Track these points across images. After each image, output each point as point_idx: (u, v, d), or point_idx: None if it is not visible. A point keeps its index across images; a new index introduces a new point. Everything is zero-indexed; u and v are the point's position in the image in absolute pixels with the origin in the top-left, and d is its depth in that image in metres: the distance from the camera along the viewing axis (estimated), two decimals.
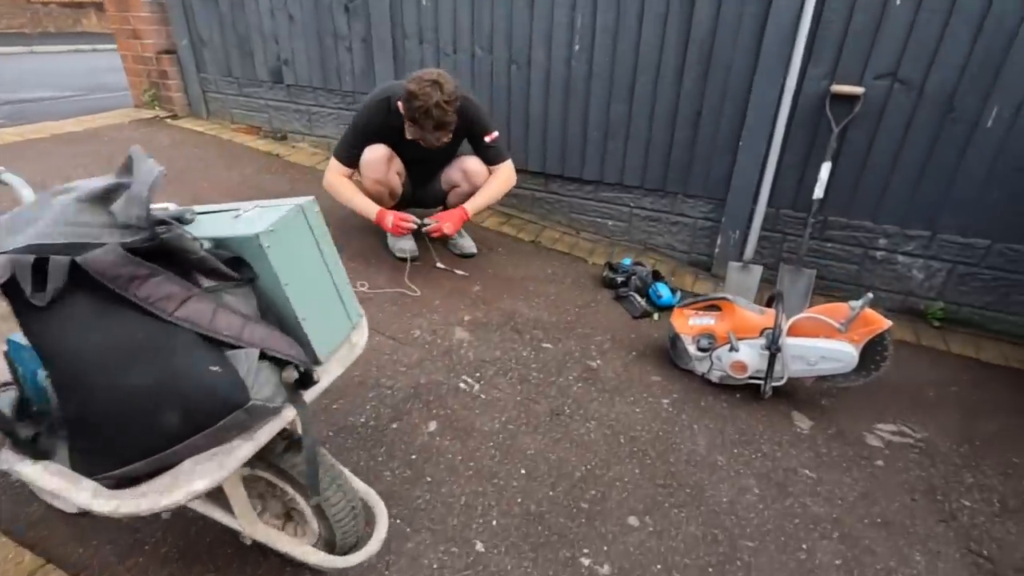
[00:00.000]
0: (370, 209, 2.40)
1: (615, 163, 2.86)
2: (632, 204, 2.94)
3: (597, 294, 2.56)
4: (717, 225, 2.76)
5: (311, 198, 1.12)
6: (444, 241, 2.74)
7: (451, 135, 2.22)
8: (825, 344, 1.84)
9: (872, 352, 1.86)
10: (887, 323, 1.80)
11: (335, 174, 2.43)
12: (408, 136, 2.23)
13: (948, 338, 2.43)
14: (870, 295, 1.77)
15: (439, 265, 2.60)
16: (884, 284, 2.56)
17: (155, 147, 3.49)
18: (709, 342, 1.99)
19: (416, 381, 1.92)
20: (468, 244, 2.72)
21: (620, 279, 2.58)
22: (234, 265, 0.99)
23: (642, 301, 2.47)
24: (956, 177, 2.27)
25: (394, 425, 1.73)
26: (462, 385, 1.93)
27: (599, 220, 3.07)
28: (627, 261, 2.70)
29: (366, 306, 2.22)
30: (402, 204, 2.67)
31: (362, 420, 1.74)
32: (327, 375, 1.12)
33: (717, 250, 2.78)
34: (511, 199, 3.25)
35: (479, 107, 2.36)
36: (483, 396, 1.89)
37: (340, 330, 1.20)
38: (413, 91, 2.05)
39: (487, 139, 2.40)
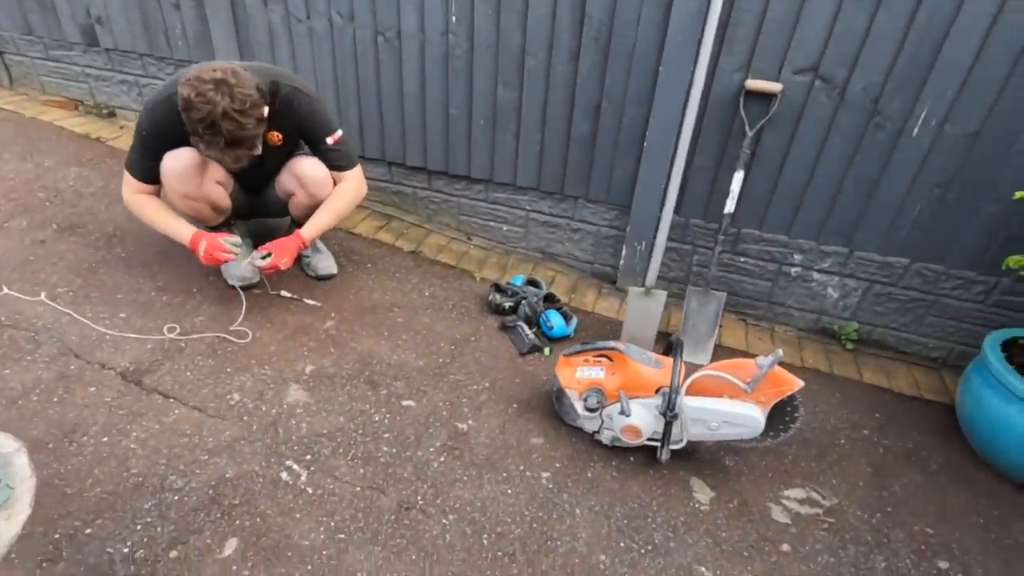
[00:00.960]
0: (183, 233, 1.84)
1: (506, 159, 2.42)
2: (528, 208, 2.53)
3: (481, 323, 2.16)
4: (622, 234, 2.40)
5: None
6: (297, 259, 2.22)
7: (256, 151, 1.67)
8: (728, 407, 1.54)
9: (780, 412, 1.58)
10: (798, 383, 1.51)
11: (132, 192, 1.85)
12: (201, 154, 1.66)
13: (861, 363, 2.22)
14: (779, 352, 1.46)
15: (283, 293, 2.09)
16: (798, 303, 2.31)
17: None
18: (598, 400, 1.64)
19: (220, 475, 1.45)
20: (326, 263, 2.22)
21: (508, 304, 2.18)
22: None
23: (531, 333, 2.09)
24: (877, 191, 2.00)
25: (173, 553, 1.28)
26: (284, 475, 1.49)
27: (492, 224, 2.64)
28: (518, 279, 2.30)
29: (172, 361, 1.72)
30: (237, 218, 2.12)
31: (125, 550, 1.27)
32: None
33: (622, 262, 2.43)
34: (392, 197, 2.76)
35: (314, 100, 1.83)
36: (310, 490, 1.46)
37: None
38: (188, 98, 1.48)
39: (329, 140, 1.89)
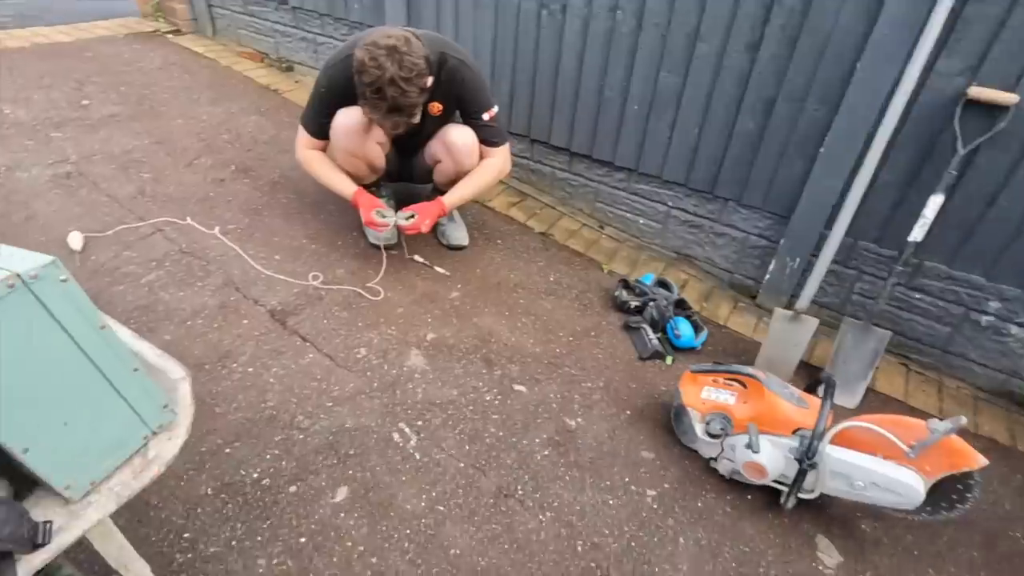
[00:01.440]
0: (346, 189, 1.96)
1: (656, 150, 2.27)
2: (670, 204, 2.37)
3: (603, 318, 2.08)
4: (773, 247, 2.17)
5: (50, 261, 0.70)
6: (433, 226, 2.28)
7: (414, 119, 1.71)
8: (882, 469, 1.33)
9: (948, 489, 1.34)
10: (980, 461, 1.26)
11: (303, 147, 1.99)
12: (365, 116, 1.72)
13: None
14: (963, 419, 1.22)
15: (416, 258, 2.16)
16: (983, 357, 1.95)
17: (143, 69, 3.12)
18: (723, 427, 1.50)
19: (340, 423, 1.54)
20: (459, 233, 2.26)
21: (634, 303, 2.07)
22: None
23: (655, 338, 1.97)
24: None
25: (292, 488, 1.38)
26: (396, 436, 1.54)
27: (628, 216, 2.52)
28: (648, 278, 2.18)
29: (312, 307, 1.85)
30: (388, 180, 2.21)
31: (255, 475, 1.39)
32: (78, 522, 0.74)
33: (768, 277, 2.20)
34: (529, 175, 2.73)
35: (478, 75, 1.82)
36: (418, 456, 1.50)
37: (120, 445, 0.81)
38: (362, 61, 1.54)
39: (485, 116, 1.88)
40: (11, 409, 0.66)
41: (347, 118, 1.84)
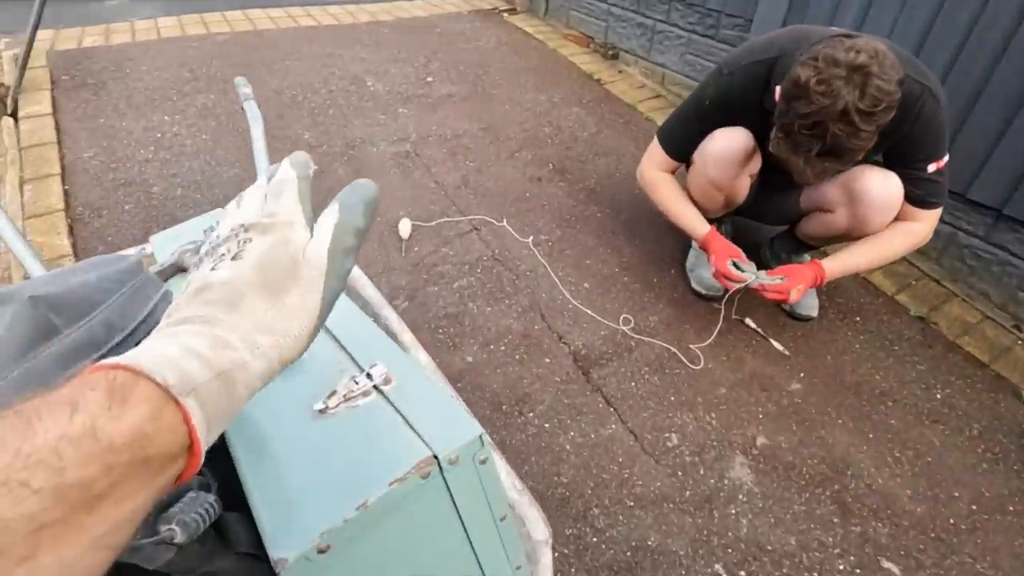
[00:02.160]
0: (698, 228, 1.59)
1: None
2: None
3: None
4: None
5: (475, 436, 0.44)
6: None
7: (846, 168, 1.21)
8: None
9: None
10: None
11: (653, 166, 1.65)
12: (771, 147, 1.27)
13: None
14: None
15: (747, 323, 1.70)
16: None
17: (479, 48, 3.16)
18: None
19: (641, 536, 1.22)
20: (808, 300, 1.72)
21: None
22: None
23: None
24: None
25: None
26: None
27: None
28: None
29: (620, 360, 1.55)
30: (734, 213, 1.78)
31: None
32: None
33: None
34: None
35: (942, 109, 1.24)
36: None
37: None
38: (805, 83, 1.08)
39: (932, 167, 1.29)
40: None
41: (728, 143, 1.44)
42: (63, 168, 2.03)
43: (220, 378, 0.29)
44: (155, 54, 2.77)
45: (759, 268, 1.53)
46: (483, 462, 0.45)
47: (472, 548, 0.49)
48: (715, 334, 1.63)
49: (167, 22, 3.16)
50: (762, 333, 1.68)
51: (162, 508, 0.41)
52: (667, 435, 1.41)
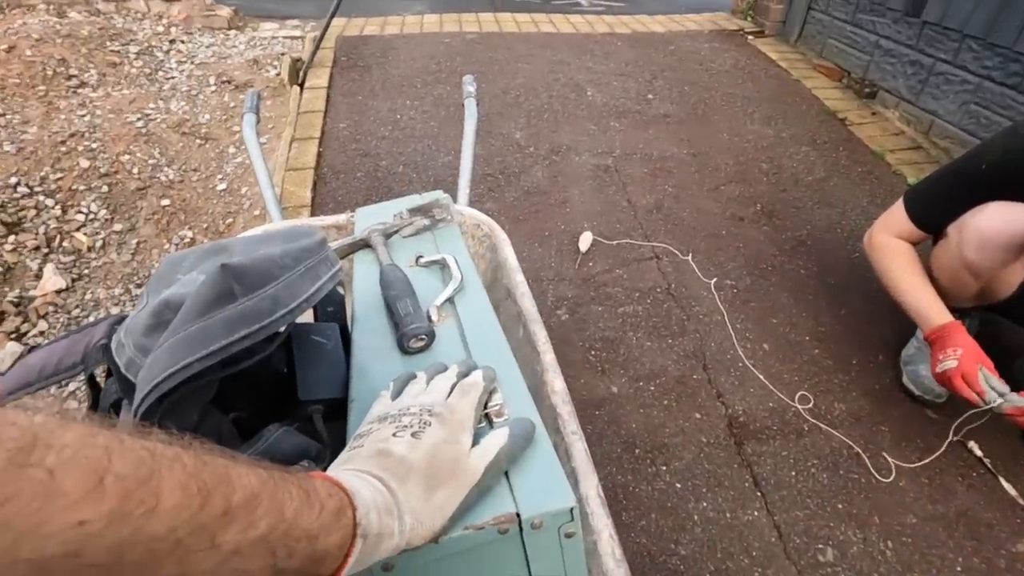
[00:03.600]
0: (935, 317, 1.28)
1: None
2: None
3: None
4: None
5: (568, 507, 0.41)
6: None
7: None
8: None
9: None
10: None
11: (890, 230, 1.38)
12: None
13: None
14: None
15: (971, 446, 1.34)
16: None
17: (711, 70, 2.99)
18: None
19: None
20: None
21: None
22: None
23: None
24: None
25: None
26: None
27: None
28: None
29: (784, 440, 1.35)
30: (985, 308, 1.42)
31: None
32: None
33: None
34: None
35: None
36: None
37: None
38: None
39: None
40: None
41: (1003, 223, 1.14)
42: (322, 133, 2.42)
43: (377, 537, 0.35)
44: (414, 45, 3.16)
45: (1012, 387, 1.19)
46: (569, 536, 0.41)
47: None
48: (932, 456, 1.32)
49: (431, 18, 3.58)
50: (989, 466, 1.32)
51: (281, 459, 0.46)
52: (821, 547, 1.19)
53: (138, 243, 2.09)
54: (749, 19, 3.50)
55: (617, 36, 3.35)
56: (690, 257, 1.85)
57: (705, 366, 1.54)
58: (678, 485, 1.29)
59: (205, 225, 2.14)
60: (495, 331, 0.62)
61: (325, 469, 0.45)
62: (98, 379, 0.57)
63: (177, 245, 2.08)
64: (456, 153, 2.31)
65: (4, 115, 2.32)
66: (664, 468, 1.32)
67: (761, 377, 1.50)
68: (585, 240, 1.88)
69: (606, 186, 2.16)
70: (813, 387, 1.48)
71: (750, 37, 3.33)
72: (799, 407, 1.43)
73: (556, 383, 0.84)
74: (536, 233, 1.95)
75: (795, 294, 1.74)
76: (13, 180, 2.10)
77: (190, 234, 2.12)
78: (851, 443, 1.35)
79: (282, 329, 0.56)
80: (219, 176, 2.28)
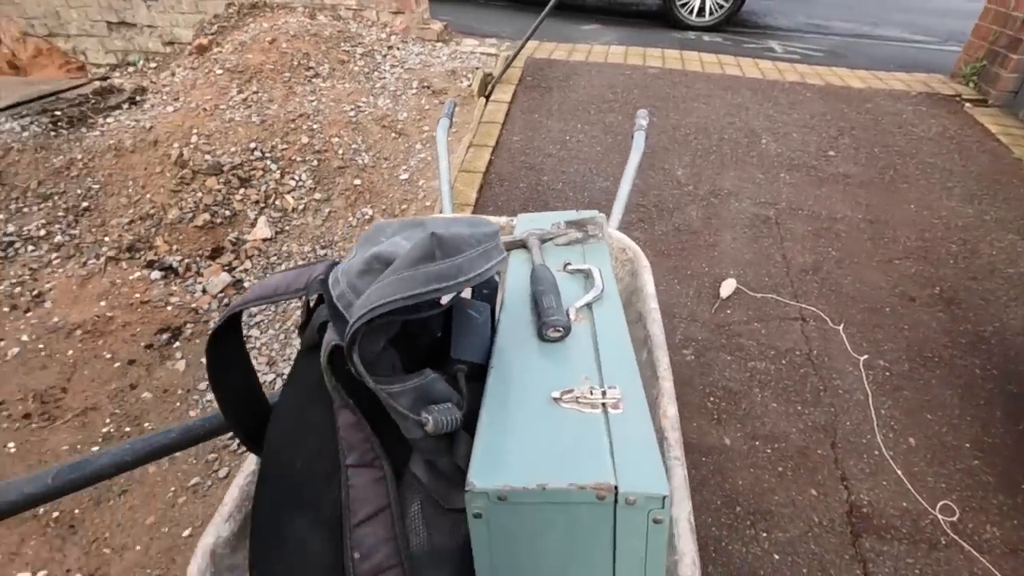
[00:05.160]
0: None
1: None
2: None
3: None
4: None
5: (662, 495, 0.46)
6: None
7: None
8: None
9: None
10: None
11: None
12: None
13: None
14: None
15: None
16: None
17: (911, 135, 2.72)
18: None
19: None
20: None
21: None
22: None
23: None
24: None
25: None
26: None
27: None
28: None
29: (913, 548, 1.25)
30: None
31: None
32: None
33: None
34: None
35: None
36: None
37: None
38: None
39: None
40: None
41: None
42: (496, 144, 2.64)
43: None
44: (595, 73, 3.30)
45: None
46: (657, 521, 0.46)
47: None
48: None
49: (616, 50, 3.70)
50: None
51: (428, 401, 0.56)
52: None
53: (329, 212, 2.46)
54: (972, 85, 3.11)
55: (807, 87, 3.18)
56: (841, 327, 1.72)
57: (834, 444, 1.43)
58: (776, 556, 1.22)
59: (384, 207, 2.45)
60: (625, 340, 0.68)
61: (462, 419, 0.55)
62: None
63: (359, 219, 2.41)
64: (614, 180, 2.38)
65: (257, 93, 2.86)
66: (764, 535, 1.26)
67: (899, 472, 1.36)
68: (727, 287, 1.84)
69: (762, 237, 2.09)
70: (962, 500, 1.31)
71: (968, 105, 2.96)
72: (940, 517, 1.28)
73: (669, 409, 0.88)
74: (678, 270, 1.95)
75: (963, 394, 1.55)
76: (252, 146, 2.59)
77: (371, 212, 2.44)
78: (999, 572, 1.18)
79: (445, 300, 0.68)
80: (403, 167, 2.59)
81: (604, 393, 0.56)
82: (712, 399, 1.53)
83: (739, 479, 1.36)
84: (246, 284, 2.23)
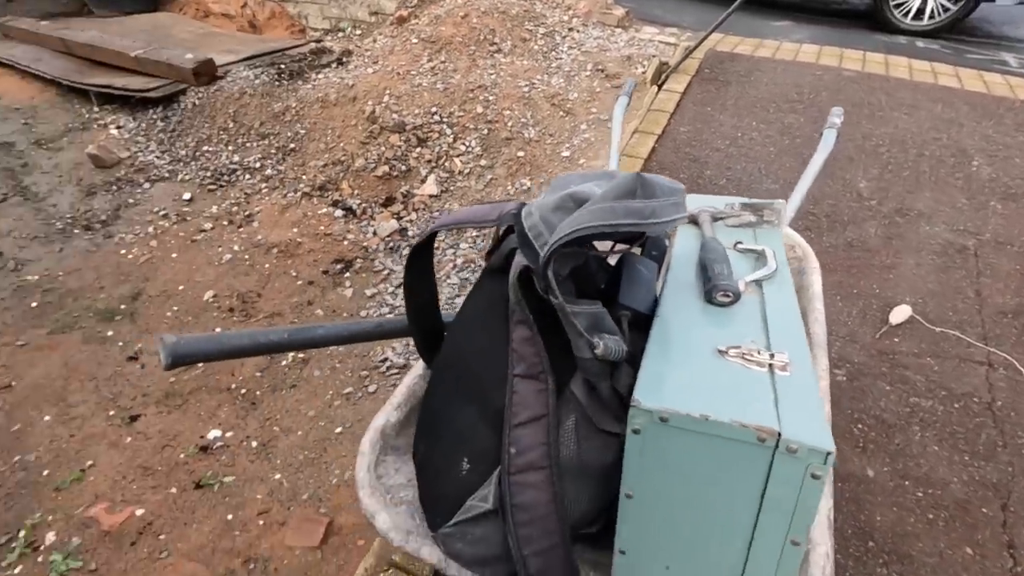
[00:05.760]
0: None
1: None
2: None
3: None
4: None
5: (827, 451, 0.47)
6: None
7: None
8: None
9: None
10: None
11: None
12: None
13: None
14: None
15: None
16: None
17: None
18: None
19: None
20: None
21: None
22: None
23: None
24: None
25: None
26: None
27: None
28: None
29: None
30: None
31: None
32: None
33: None
34: None
35: None
36: None
37: None
38: None
39: None
40: (663, 527, 0.55)
41: None
42: (663, 132, 2.61)
43: None
44: (780, 71, 3.10)
45: None
46: (815, 476, 0.47)
47: (750, 541, 0.52)
48: None
49: (808, 48, 3.43)
50: None
51: (600, 330, 0.61)
52: None
53: (491, 179, 2.61)
54: None
55: (1008, 102, 2.70)
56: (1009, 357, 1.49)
57: (1005, 506, 1.26)
58: None
59: (542, 180, 2.54)
60: (795, 314, 0.67)
61: (620, 360, 0.59)
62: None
63: (516, 189, 2.54)
64: (784, 183, 2.24)
65: (444, 63, 3.10)
66: None
67: None
68: (900, 313, 1.67)
69: (953, 268, 1.85)
70: None
71: None
72: None
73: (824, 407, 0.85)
74: (842, 286, 1.80)
75: None
76: (433, 110, 2.82)
77: (528, 183, 2.55)
78: None
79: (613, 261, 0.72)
80: (567, 145, 2.66)
81: (772, 356, 0.57)
82: (860, 426, 1.42)
83: (878, 514, 1.25)
84: (410, 233, 2.46)
